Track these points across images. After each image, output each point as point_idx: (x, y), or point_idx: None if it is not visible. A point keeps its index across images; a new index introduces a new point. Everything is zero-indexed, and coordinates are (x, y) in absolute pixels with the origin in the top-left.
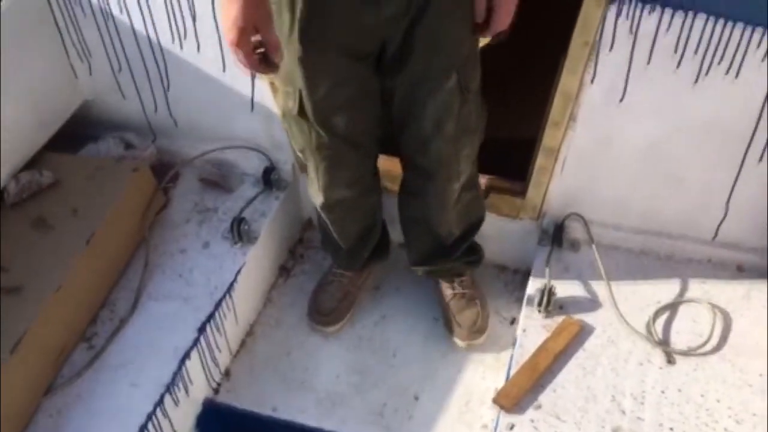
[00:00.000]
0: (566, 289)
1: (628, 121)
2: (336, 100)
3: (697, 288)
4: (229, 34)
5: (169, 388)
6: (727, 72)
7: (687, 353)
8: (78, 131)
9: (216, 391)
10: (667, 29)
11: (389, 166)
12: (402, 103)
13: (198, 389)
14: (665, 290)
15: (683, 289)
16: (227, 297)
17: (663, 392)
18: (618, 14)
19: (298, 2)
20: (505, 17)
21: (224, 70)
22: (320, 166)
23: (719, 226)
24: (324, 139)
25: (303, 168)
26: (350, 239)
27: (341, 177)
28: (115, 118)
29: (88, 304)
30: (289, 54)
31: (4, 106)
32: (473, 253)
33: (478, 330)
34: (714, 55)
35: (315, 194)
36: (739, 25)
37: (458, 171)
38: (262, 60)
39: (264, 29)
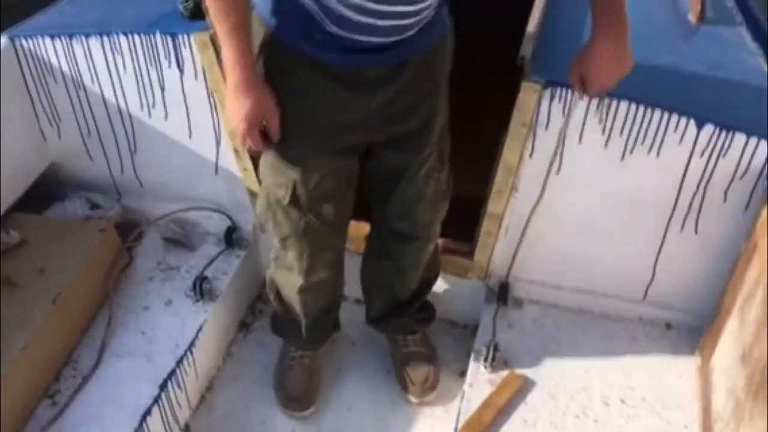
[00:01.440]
0: (510, 344)
1: (564, 192)
2: (324, 190)
3: (628, 344)
4: (239, 126)
5: None
6: (649, 151)
7: (619, 405)
8: (44, 191)
9: None
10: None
11: (353, 229)
12: (386, 180)
13: None
14: (599, 346)
15: (616, 345)
16: (188, 354)
17: None
18: (551, 98)
19: (294, 97)
20: (601, 82)
21: (190, 137)
22: (305, 252)
23: (648, 287)
24: (312, 226)
25: (277, 257)
26: (313, 318)
27: (323, 260)
28: (82, 179)
29: (53, 361)
30: (285, 147)
31: None
32: (426, 311)
33: (429, 387)
34: (637, 136)
35: (293, 280)
36: (658, 111)
37: (434, 233)
38: (266, 139)
39: (271, 119)
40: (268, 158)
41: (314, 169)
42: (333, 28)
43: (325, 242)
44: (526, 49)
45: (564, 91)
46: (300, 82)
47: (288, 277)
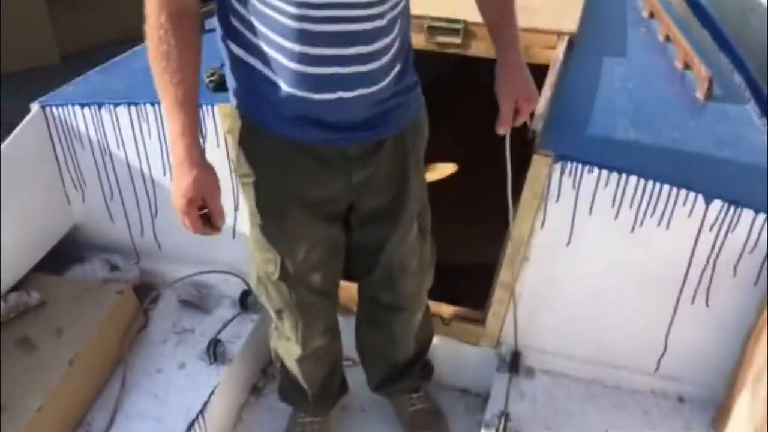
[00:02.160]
0: (521, 415)
1: (575, 263)
2: (313, 261)
3: (640, 418)
4: (178, 202)
5: None
6: (659, 224)
7: None
8: (65, 252)
9: None
10: (605, 186)
11: (346, 290)
12: (368, 253)
13: None
14: (611, 419)
15: (628, 418)
16: (200, 417)
17: None
18: (562, 172)
19: (274, 176)
20: (530, 109)
21: None
22: (300, 322)
23: (660, 359)
24: (303, 297)
25: (277, 327)
26: (318, 385)
27: (318, 328)
28: (102, 241)
29: (67, 423)
30: (270, 224)
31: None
32: (425, 367)
33: None
34: (647, 209)
35: (292, 349)
36: (666, 186)
37: (422, 303)
38: (206, 222)
39: (211, 199)
40: (254, 234)
41: (300, 243)
42: (290, 90)
43: (318, 311)
44: (537, 123)
45: (575, 164)
46: (279, 162)
47: (287, 347)
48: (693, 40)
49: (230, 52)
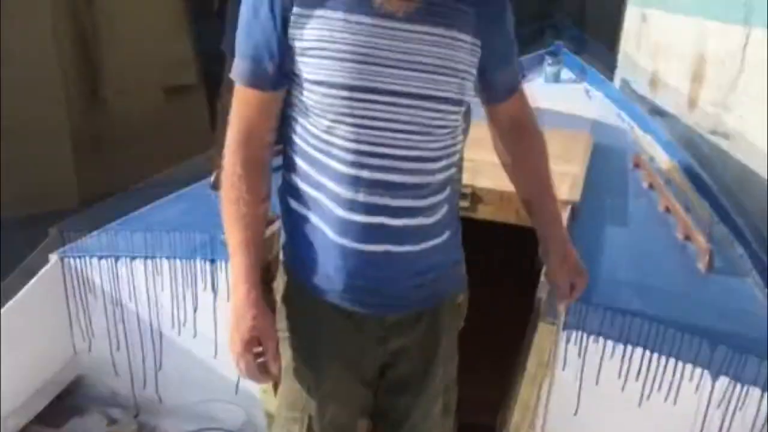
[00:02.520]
0: None
1: None
2: (339, 423)
3: None
4: (235, 345)
5: None
6: (666, 399)
7: None
8: (64, 402)
9: None
10: (611, 356)
11: None
12: (391, 422)
13: None
14: None
15: None
16: None
17: None
18: (567, 341)
19: (311, 337)
20: (585, 284)
21: (215, 356)
22: None
23: None
24: None
25: None
26: None
27: None
28: (104, 393)
29: None
30: (303, 382)
31: (3, 380)
32: None
33: None
34: (654, 383)
35: None
36: (672, 360)
37: None
38: (262, 369)
39: (268, 343)
40: (284, 390)
41: (330, 404)
42: (339, 240)
43: None
44: (542, 291)
45: (580, 333)
46: (319, 323)
47: None
48: (693, 211)
49: (286, 205)
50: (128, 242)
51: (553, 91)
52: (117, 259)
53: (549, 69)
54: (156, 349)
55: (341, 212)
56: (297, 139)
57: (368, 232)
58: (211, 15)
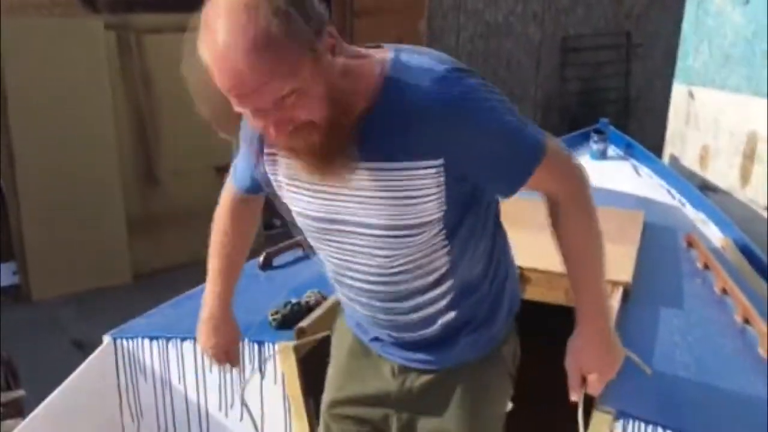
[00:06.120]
0: None
1: None
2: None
3: None
4: (202, 350)
5: None
6: None
7: None
8: None
9: None
10: None
11: None
12: None
13: None
14: None
15: None
16: None
17: None
18: (624, 430)
19: (338, 366)
20: (598, 383)
21: None
22: None
23: None
24: None
25: None
26: None
27: None
28: None
29: None
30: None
31: None
32: None
33: None
34: None
35: None
36: None
37: None
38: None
39: (230, 351)
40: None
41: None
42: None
43: None
44: None
45: (637, 423)
46: (349, 352)
47: None
48: (750, 293)
49: None
50: (179, 323)
51: (601, 168)
52: (168, 340)
53: (595, 146)
54: (202, 430)
55: (344, 300)
56: None
57: (368, 321)
58: None
